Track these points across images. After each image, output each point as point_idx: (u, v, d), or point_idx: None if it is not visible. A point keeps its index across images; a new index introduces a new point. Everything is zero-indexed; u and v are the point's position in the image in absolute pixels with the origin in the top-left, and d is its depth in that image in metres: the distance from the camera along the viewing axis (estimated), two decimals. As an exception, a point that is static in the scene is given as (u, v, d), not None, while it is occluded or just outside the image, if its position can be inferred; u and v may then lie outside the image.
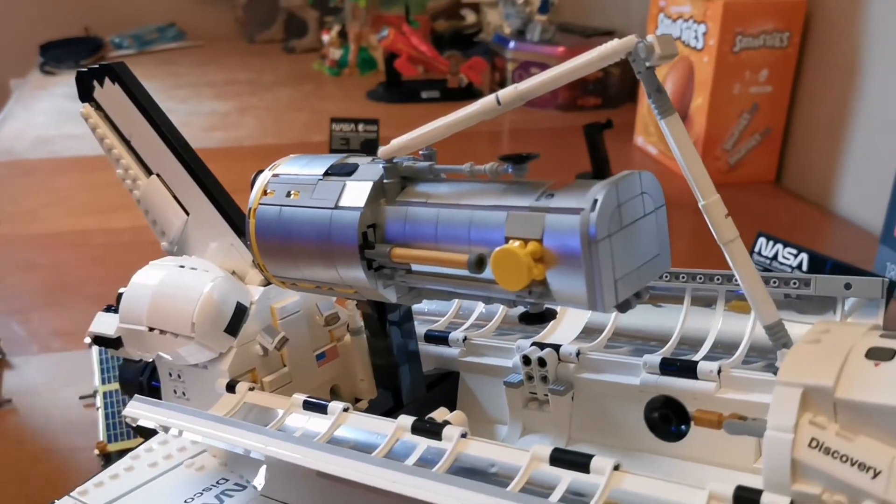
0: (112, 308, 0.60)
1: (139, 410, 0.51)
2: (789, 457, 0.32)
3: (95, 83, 0.61)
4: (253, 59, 2.23)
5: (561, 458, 0.38)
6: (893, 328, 0.37)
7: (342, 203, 0.45)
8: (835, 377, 0.32)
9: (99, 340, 0.60)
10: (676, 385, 0.45)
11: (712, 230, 0.39)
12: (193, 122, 1.68)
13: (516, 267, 0.37)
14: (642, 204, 0.38)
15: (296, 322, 0.56)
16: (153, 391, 0.60)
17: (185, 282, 0.54)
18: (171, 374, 0.57)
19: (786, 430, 0.32)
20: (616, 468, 0.36)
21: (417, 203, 0.43)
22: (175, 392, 0.57)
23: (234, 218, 0.59)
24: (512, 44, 1.82)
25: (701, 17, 1.31)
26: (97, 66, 0.61)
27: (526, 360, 0.50)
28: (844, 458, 0.31)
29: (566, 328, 0.53)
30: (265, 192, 0.48)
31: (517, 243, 0.37)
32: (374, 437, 0.43)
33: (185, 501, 0.50)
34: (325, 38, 2.14)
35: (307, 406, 0.48)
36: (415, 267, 0.42)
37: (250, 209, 0.48)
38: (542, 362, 0.49)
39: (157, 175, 0.60)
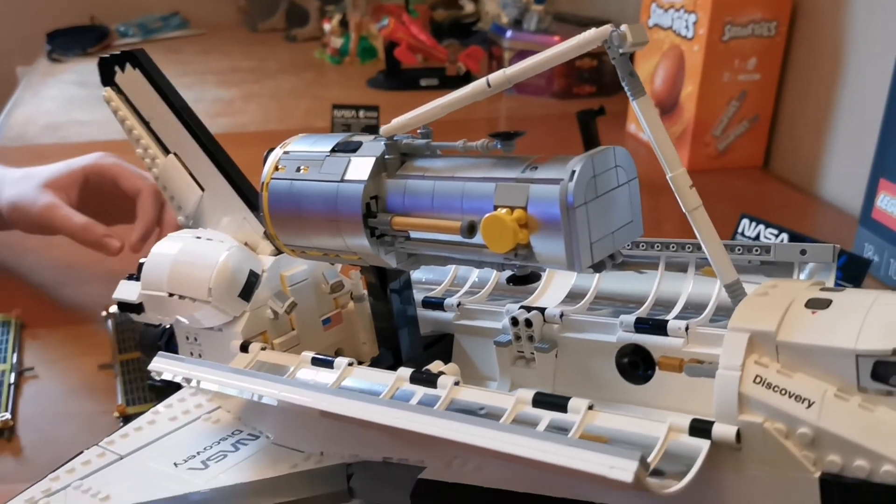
0: (134, 276, 0.65)
1: (163, 365, 0.56)
2: (737, 391, 0.37)
3: (117, 69, 0.66)
4: (255, 47, 2.27)
5: (542, 401, 0.43)
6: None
7: (348, 177, 0.49)
8: (777, 323, 0.37)
9: (122, 306, 0.64)
10: (649, 341, 0.51)
11: (678, 199, 0.44)
12: (199, 108, 1.70)
13: (503, 231, 0.42)
14: (616, 176, 0.43)
15: (304, 289, 0.60)
16: (168, 349, 0.65)
17: (202, 251, 0.59)
18: (188, 338, 0.62)
19: (734, 369, 0.37)
20: (590, 408, 0.41)
21: (415, 176, 0.47)
22: (192, 354, 0.62)
23: (248, 193, 0.63)
24: (509, 33, 1.86)
25: (691, 6, 1.35)
26: (119, 52, 0.66)
27: (514, 322, 0.54)
28: (784, 392, 0.36)
29: (552, 293, 0.58)
30: (277, 168, 0.53)
31: (504, 211, 0.42)
32: (377, 386, 0.48)
33: (204, 448, 0.55)
34: (327, 27, 2.18)
35: (315, 362, 0.53)
36: (413, 234, 0.47)
37: (263, 183, 0.53)
38: (528, 323, 0.54)
39: (175, 154, 0.65)
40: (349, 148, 0.50)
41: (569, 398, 0.42)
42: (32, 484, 0.53)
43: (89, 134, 1.57)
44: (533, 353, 0.55)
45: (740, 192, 1.31)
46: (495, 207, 0.43)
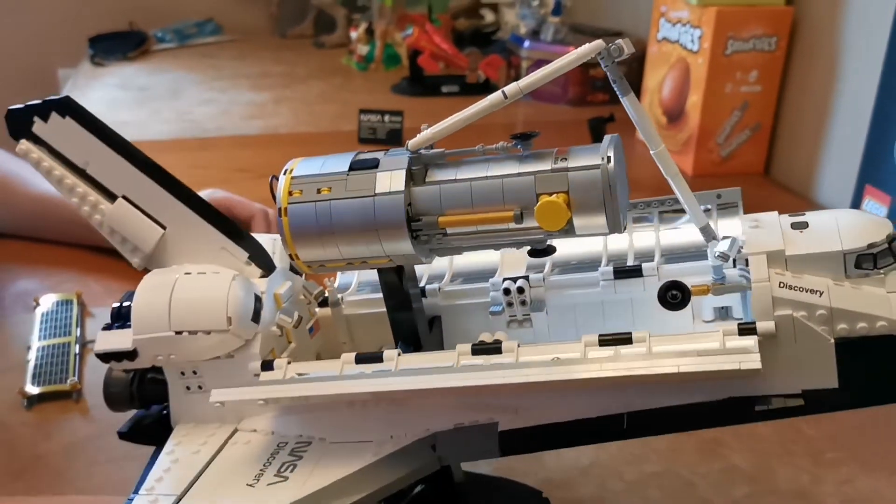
0: (114, 325, 0.61)
1: (227, 395, 0.55)
2: (770, 296, 0.50)
3: (36, 119, 0.60)
4: (285, 53, 2.37)
5: (608, 340, 0.52)
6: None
7: (379, 190, 0.53)
8: (782, 243, 0.51)
9: (109, 357, 0.59)
10: (627, 286, 0.60)
11: (661, 169, 0.53)
12: (233, 111, 1.83)
13: (558, 213, 0.51)
14: (622, 156, 0.53)
15: (293, 304, 0.63)
16: (144, 399, 0.64)
17: (206, 282, 0.58)
18: (183, 374, 0.60)
19: (764, 280, 0.50)
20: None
21: (448, 181, 0.54)
22: (188, 388, 0.60)
23: (223, 223, 0.61)
24: (527, 43, 1.96)
25: (697, 22, 1.44)
26: (37, 102, 0.60)
27: (506, 291, 0.62)
28: (801, 289, 0.50)
29: (507, 271, 0.64)
30: (291, 193, 0.54)
31: (554, 196, 0.51)
32: (437, 364, 0.54)
33: (264, 465, 0.56)
34: (353, 34, 2.28)
35: (360, 360, 0.55)
36: (450, 230, 0.54)
37: (281, 209, 0.54)
38: (521, 290, 0.61)
39: (124, 197, 0.60)
40: (368, 165, 0.54)
41: (629, 333, 0.52)
42: None
43: (133, 133, 1.66)
44: (527, 315, 0.62)
45: (743, 197, 1.39)
46: (537, 196, 0.51)
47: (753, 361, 0.48)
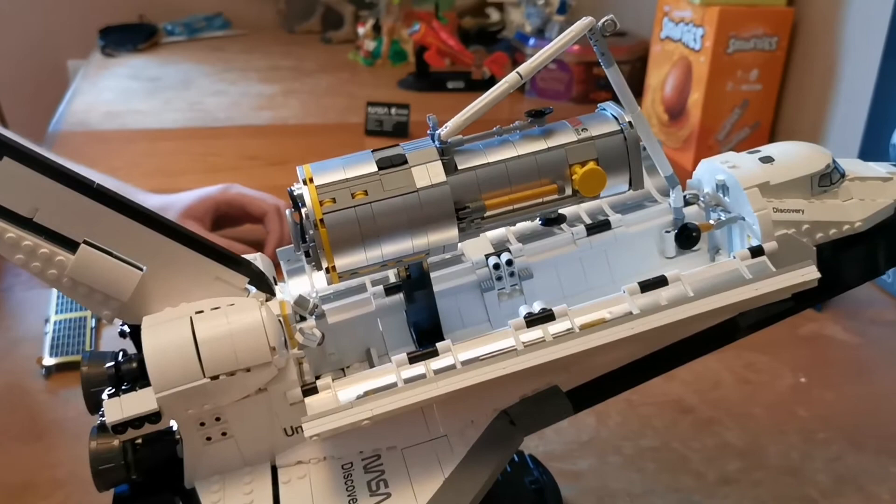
0: (118, 391, 0.52)
1: (325, 425, 0.50)
2: (771, 220, 0.58)
3: None
4: (293, 48, 2.40)
5: (646, 284, 0.55)
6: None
7: (421, 185, 0.53)
8: (767, 177, 0.59)
9: (126, 426, 0.50)
10: (601, 238, 0.64)
11: (637, 130, 0.57)
12: (243, 102, 1.86)
13: (599, 179, 0.55)
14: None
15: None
16: (143, 467, 0.54)
17: (232, 317, 0.51)
18: (203, 424, 0.52)
19: (764, 208, 0.58)
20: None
21: (483, 166, 0.56)
22: (209, 439, 0.53)
23: (212, 250, 0.54)
24: (532, 41, 2.00)
25: (699, 21, 1.47)
26: None
27: (496, 266, 0.64)
28: (788, 210, 0.59)
29: (471, 251, 0.66)
30: (322, 203, 0.52)
31: (589, 164, 0.55)
32: (502, 345, 0.54)
33: (350, 493, 0.53)
34: (361, 30, 2.31)
35: (414, 359, 0.53)
36: (489, 212, 0.56)
37: (316, 221, 0.51)
38: (509, 262, 0.64)
39: (87, 242, 0.50)
40: (396, 162, 0.54)
41: (664, 276, 0.55)
42: None
43: (148, 122, 1.71)
44: (515, 286, 0.64)
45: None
46: (570, 166, 0.55)
47: (812, 273, 0.55)
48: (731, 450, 0.83)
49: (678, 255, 0.65)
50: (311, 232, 0.53)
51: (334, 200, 0.52)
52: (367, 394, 0.52)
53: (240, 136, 1.66)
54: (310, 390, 0.53)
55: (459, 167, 0.56)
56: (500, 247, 0.65)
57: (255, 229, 1.17)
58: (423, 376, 0.52)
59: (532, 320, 0.55)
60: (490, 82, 2.02)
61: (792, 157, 0.61)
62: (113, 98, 1.85)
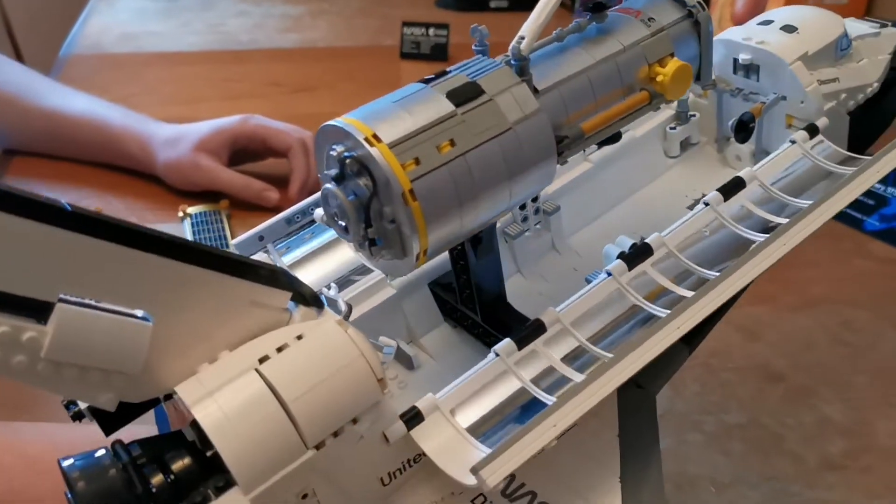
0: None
1: (496, 471, 0.36)
2: (820, 94, 0.55)
3: None
4: (322, -36, 2.25)
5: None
6: None
7: (513, 118, 0.41)
8: (803, 48, 0.56)
9: None
10: (610, 149, 0.58)
11: None
12: (268, 24, 1.73)
13: (686, 76, 0.48)
14: None
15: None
16: None
17: (314, 357, 0.37)
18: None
19: (813, 83, 0.55)
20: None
21: (563, 81, 0.45)
22: None
23: (239, 265, 0.37)
24: (583, -47, 1.82)
25: (780, -75, 1.30)
26: None
27: (521, 206, 0.54)
28: (827, 81, 0.56)
29: None
30: (403, 167, 0.38)
31: (670, 61, 0.49)
32: (614, 309, 0.45)
33: None
34: (395, -55, 2.15)
35: (521, 342, 0.42)
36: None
37: (405, 193, 0.38)
38: (534, 199, 0.54)
39: (63, 300, 0.32)
40: (471, 95, 0.41)
41: (739, 177, 0.50)
42: None
43: (164, 45, 1.58)
44: (538, 224, 0.55)
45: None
46: (649, 65, 0.48)
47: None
48: (833, 427, 0.71)
49: (682, 153, 0.62)
50: (386, 209, 0.39)
51: (417, 161, 0.38)
52: (493, 409, 0.40)
53: (264, 60, 1.54)
54: (412, 419, 0.39)
55: (539, 87, 0.45)
56: None
57: (278, 163, 1.06)
58: (550, 370, 0.41)
59: (630, 258, 0.46)
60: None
61: (811, 23, 0.57)
62: (128, 18, 1.72)
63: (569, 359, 0.42)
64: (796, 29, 0.56)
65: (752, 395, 0.74)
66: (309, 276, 0.52)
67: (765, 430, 0.71)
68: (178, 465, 0.36)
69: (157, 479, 0.35)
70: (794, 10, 0.59)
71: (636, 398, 0.47)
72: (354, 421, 0.37)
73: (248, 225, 0.55)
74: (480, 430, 0.40)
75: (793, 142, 0.52)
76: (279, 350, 0.36)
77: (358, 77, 1.46)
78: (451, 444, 0.39)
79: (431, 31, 1.54)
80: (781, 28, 0.57)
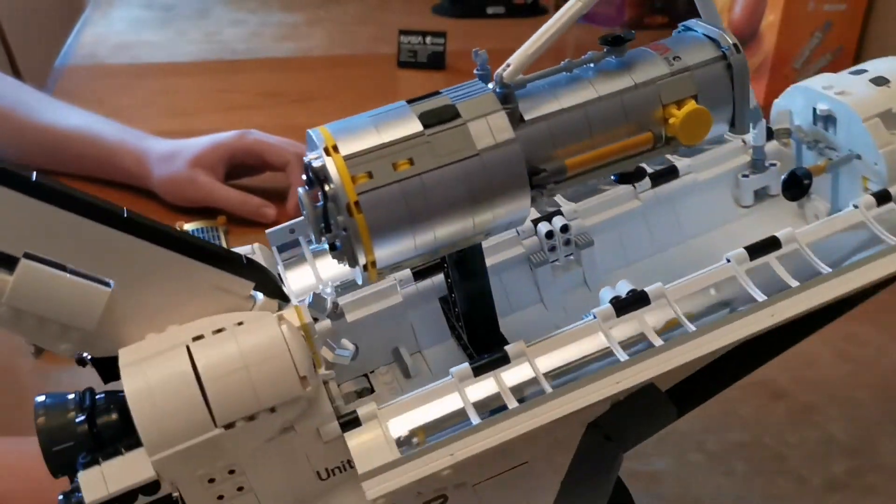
0: (95, 456, 0.40)
1: (387, 484, 0.39)
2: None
3: None
4: (319, -28, 2.24)
5: (755, 248, 0.46)
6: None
7: (483, 146, 0.40)
8: (888, 103, 0.50)
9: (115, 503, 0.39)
10: (667, 189, 0.56)
11: None
12: (264, 32, 1.72)
13: (704, 121, 0.44)
14: None
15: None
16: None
17: (243, 341, 0.39)
18: (212, 480, 0.41)
19: (891, 143, 0.49)
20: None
21: (555, 114, 0.43)
22: (221, 498, 0.42)
23: (207, 251, 0.41)
24: (580, -41, 1.81)
25: (778, -70, 1.29)
26: None
27: (548, 235, 0.53)
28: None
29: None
30: (355, 179, 0.39)
31: (687, 102, 0.44)
32: (593, 347, 0.43)
33: None
34: (391, -49, 2.14)
35: (479, 370, 0.42)
36: (570, 173, 0.44)
37: (351, 204, 0.39)
38: (565, 228, 0.53)
39: (28, 256, 0.37)
40: (446, 117, 0.41)
41: (775, 237, 0.46)
42: None
43: (159, 56, 1.58)
44: (570, 256, 0.54)
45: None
46: (664, 106, 0.44)
47: None
48: (836, 446, 0.70)
49: (756, 203, 0.57)
50: (339, 218, 0.40)
51: (370, 175, 0.40)
52: (426, 425, 0.41)
53: (260, 69, 1.53)
54: (349, 422, 0.41)
55: (526, 117, 0.43)
56: (544, 209, 0.55)
57: (276, 178, 1.05)
58: (497, 396, 0.41)
59: (621, 305, 0.44)
60: (533, 7, 1.85)
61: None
62: (124, 28, 1.72)
63: (516, 389, 0.42)
64: (888, 82, 0.51)
65: (754, 413, 0.73)
66: (327, 271, 0.54)
67: (767, 450, 0.70)
68: (102, 420, 0.40)
69: (82, 428, 0.40)
70: (887, 61, 0.53)
71: (598, 448, 0.45)
72: (273, 410, 0.39)
73: (246, 241, 0.55)
74: (413, 442, 0.41)
75: (856, 206, 0.48)
76: (216, 332, 0.39)
77: (356, 87, 1.45)
78: (376, 451, 0.40)
79: (428, 39, 1.53)
80: (871, 80, 0.51)
